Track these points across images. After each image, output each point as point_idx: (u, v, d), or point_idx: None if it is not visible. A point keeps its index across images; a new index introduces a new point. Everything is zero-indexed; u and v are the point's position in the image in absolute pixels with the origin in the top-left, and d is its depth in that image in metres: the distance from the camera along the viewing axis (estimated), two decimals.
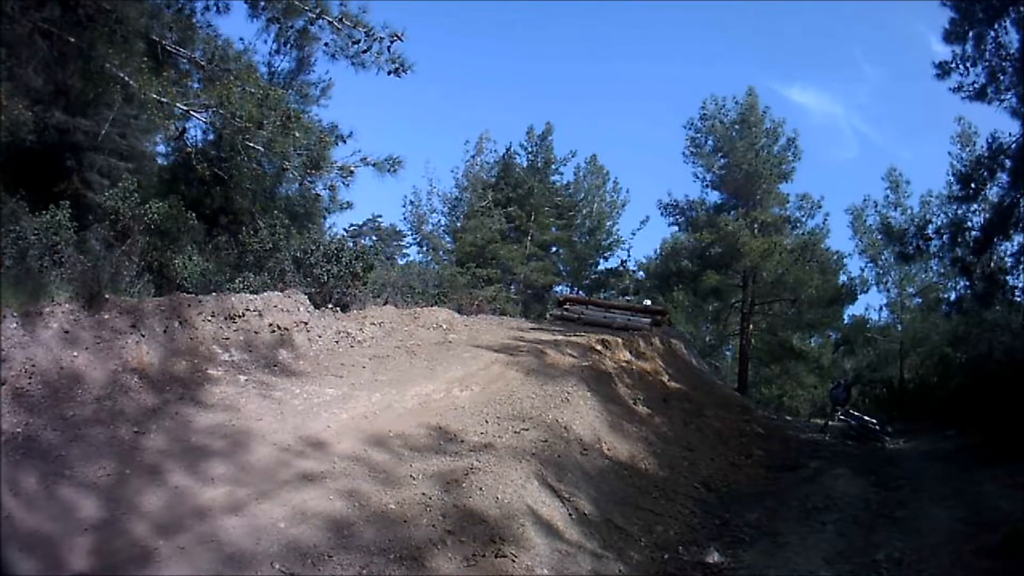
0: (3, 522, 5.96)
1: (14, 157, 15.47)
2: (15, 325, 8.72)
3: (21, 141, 14.41)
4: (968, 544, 9.87)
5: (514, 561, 7.47)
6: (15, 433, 7.29)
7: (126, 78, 13.31)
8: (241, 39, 18.18)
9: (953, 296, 28.48)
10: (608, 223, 46.79)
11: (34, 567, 5.66)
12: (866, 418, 22.57)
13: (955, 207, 23.02)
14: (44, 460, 7.05)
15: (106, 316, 9.82)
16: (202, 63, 15.62)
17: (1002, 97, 19.67)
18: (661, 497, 11.36)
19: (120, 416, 8.36)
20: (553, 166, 46.95)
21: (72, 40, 12.66)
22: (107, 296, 10.23)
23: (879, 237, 35.16)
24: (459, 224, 44.25)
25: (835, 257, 37.02)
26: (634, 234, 54.44)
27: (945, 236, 22.00)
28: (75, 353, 8.99)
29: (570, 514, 9.13)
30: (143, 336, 10.00)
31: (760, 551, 9.98)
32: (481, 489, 8.54)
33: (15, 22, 11.86)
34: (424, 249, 45.50)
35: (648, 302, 33.17)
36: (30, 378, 8.23)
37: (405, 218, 45.92)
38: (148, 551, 6.11)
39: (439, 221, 45.76)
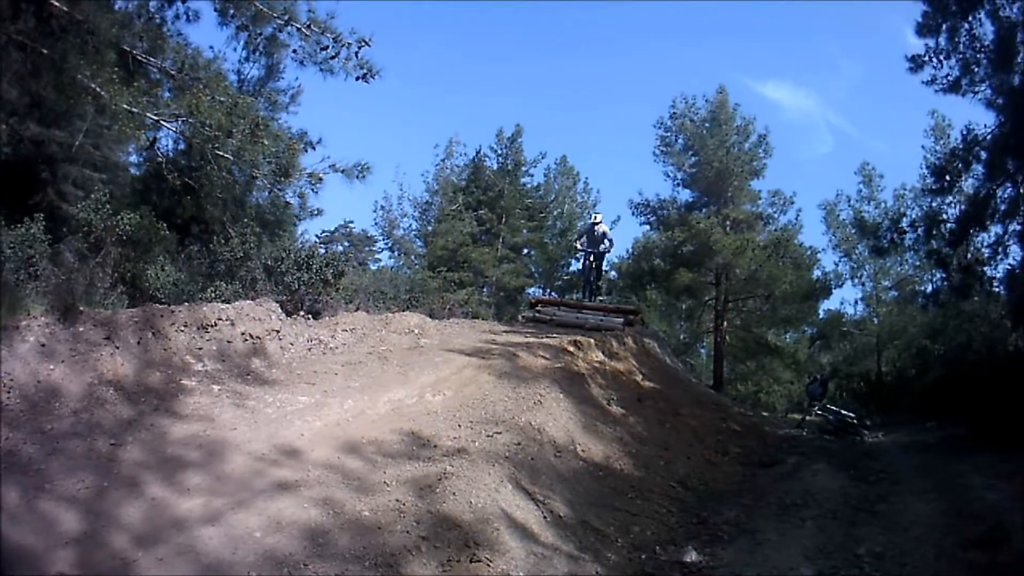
0: None
1: None
2: None
3: None
4: (951, 536, 10.00)
5: (489, 565, 7.54)
6: None
7: (98, 89, 13.31)
8: (211, 47, 18.54)
9: (929, 288, 28.56)
10: (579, 224, 46.11)
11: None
12: (844, 412, 22.59)
13: (929, 200, 23.15)
14: (24, 474, 7.11)
15: (81, 329, 9.85)
16: (172, 72, 15.61)
17: (976, 89, 19.80)
18: (637, 497, 11.37)
19: (97, 429, 8.41)
20: (523, 168, 47.30)
21: (45, 52, 12.64)
22: (82, 308, 10.26)
23: (852, 231, 35.62)
24: (430, 228, 44.53)
25: (809, 252, 37.25)
26: None
27: (920, 229, 22.12)
28: (52, 366, 9.03)
29: (545, 517, 9.18)
30: (117, 348, 10.03)
31: (739, 549, 10.02)
32: (455, 494, 8.59)
33: None
34: (396, 254, 45.96)
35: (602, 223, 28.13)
36: (8, 392, 8.28)
37: (376, 223, 46.37)
38: (128, 563, 6.21)
39: (410, 225, 46.23)
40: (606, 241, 25.88)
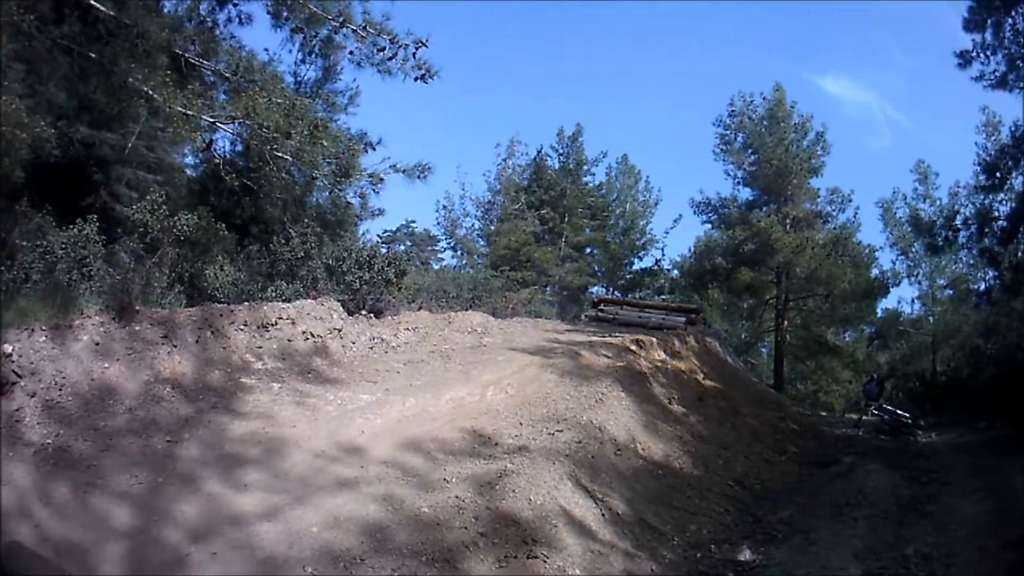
0: (33, 530, 6.02)
1: (39, 173, 15.42)
2: (44, 339, 8.74)
3: (46, 157, 14.37)
4: (996, 538, 9.82)
5: (546, 562, 7.46)
6: (45, 444, 7.35)
7: (150, 92, 13.31)
8: (266, 50, 18.43)
9: (983, 287, 28.18)
10: (641, 223, 46.67)
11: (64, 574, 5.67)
12: (899, 412, 22.17)
13: (982, 197, 22.81)
14: (76, 470, 7.09)
15: (137, 328, 9.85)
16: (227, 75, 15.63)
17: (1022, 84, 19.54)
18: (695, 496, 11.26)
19: (153, 426, 8.39)
20: (585, 167, 46.91)
21: (93, 56, 12.69)
22: (138, 308, 10.26)
23: (909, 229, 34.66)
24: (493, 228, 44.43)
25: (867, 251, 37.04)
26: (667, 233, 53.00)
27: (972, 227, 21.79)
28: (106, 365, 9.01)
29: (603, 514, 9.08)
30: (175, 347, 10.02)
31: (792, 548, 9.90)
32: (514, 491, 8.53)
33: (34, 39, 11.90)
34: (458, 253, 45.97)
35: None
36: (60, 390, 8.27)
37: (439, 223, 46.30)
38: (180, 557, 6.17)
39: (473, 225, 46.06)
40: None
